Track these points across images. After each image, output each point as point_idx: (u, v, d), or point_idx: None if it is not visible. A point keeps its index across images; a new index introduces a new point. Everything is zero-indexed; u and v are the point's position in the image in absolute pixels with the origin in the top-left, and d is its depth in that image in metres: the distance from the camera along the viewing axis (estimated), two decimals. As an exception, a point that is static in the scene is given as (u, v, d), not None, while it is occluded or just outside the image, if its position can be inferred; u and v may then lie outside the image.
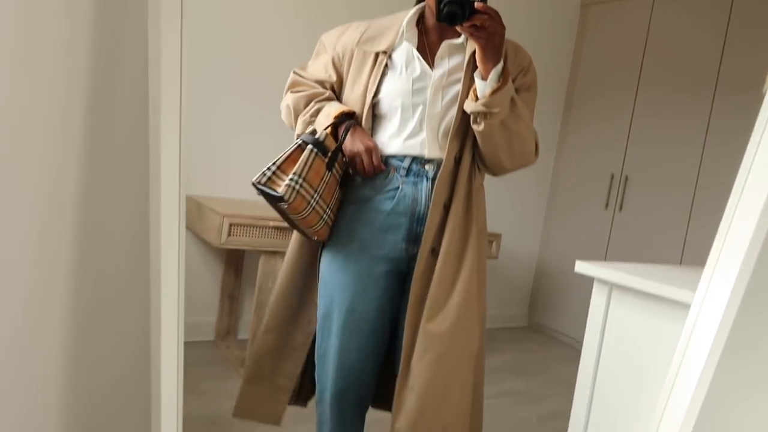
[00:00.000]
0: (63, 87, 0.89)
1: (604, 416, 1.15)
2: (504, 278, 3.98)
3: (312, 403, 1.54)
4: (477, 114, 1.22)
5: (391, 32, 1.36)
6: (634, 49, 3.57)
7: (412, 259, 1.34)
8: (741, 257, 0.71)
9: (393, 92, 1.32)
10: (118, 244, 1.01)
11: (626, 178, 3.55)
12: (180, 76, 0.85)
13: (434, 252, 1.30)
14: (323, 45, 1.44)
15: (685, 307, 0.87)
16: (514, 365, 3.26)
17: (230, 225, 2.38)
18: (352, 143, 1.30)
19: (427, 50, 1.34)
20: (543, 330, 4.06)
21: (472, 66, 1.26)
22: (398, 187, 1.32)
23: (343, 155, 1.33)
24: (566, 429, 1.26)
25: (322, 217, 1.30)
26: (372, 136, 1.36)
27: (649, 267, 1.17)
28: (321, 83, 1.41)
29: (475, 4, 1.10)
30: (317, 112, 1.36)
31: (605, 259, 3.55)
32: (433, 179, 1.31)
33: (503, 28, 1.17)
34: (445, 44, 1.32)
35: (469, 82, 1.26)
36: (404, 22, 1.34)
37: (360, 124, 1.34)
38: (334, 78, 1.40)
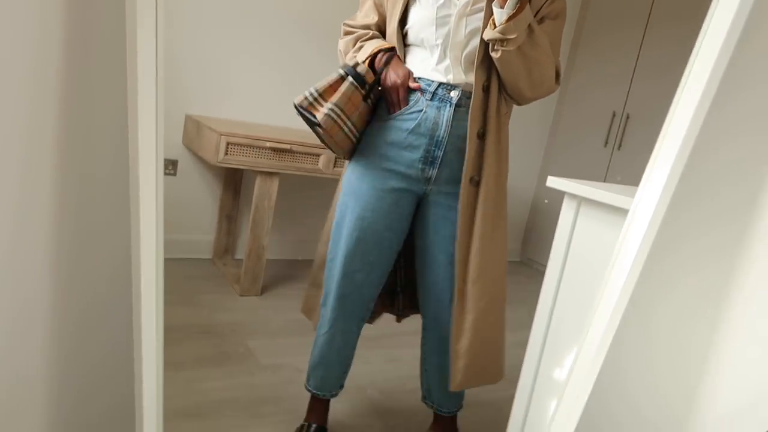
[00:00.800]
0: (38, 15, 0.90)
1: (561, 325, 1.22)
2: (500, 213, 4.03)
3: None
4: (494, 41, 1.26)
5: None
6: (646, -17, 3.46)
7: (428, 181, 1.41)
8: (671, 162, 0.76)
9: (420, 21, 1.37)
10: (100, 166, 1.05)
11: (627, 117, 3.54)
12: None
13: (473, 181, 1.36)
14: None
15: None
16: (503, 295, 3.36)
17: (227, 144, 2.42)
18: (389, 75, 1.38)
19: None
20: (534, 265, 4.15)
21: None
22: (422, 110, 1.38)
23: (379, 85, 1.41)
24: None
25: (352, 140, 1.43)
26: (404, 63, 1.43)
27: (619, 187, 1.22)
28: (368, 27, 1.49)
29: None
30: (360, 49, 1.45)
31: (600, 198, 3.57)
32: (456, 106, 1.36)
33: None
34: None
35: (491, 12, 1.28)
36: None
37: (399, 57, 1.42)
38: (377, 18, 1.48)
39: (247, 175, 2.99)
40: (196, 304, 2.48)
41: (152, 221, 0.87)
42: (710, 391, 0.98)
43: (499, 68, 1.32)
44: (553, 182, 1.19)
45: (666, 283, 0.96)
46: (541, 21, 1.34)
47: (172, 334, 2.13)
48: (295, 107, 1.38)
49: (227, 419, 1.69)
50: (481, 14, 1.32)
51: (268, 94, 3.00)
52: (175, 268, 2.83)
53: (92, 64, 0.99)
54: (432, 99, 1.37)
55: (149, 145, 0.84)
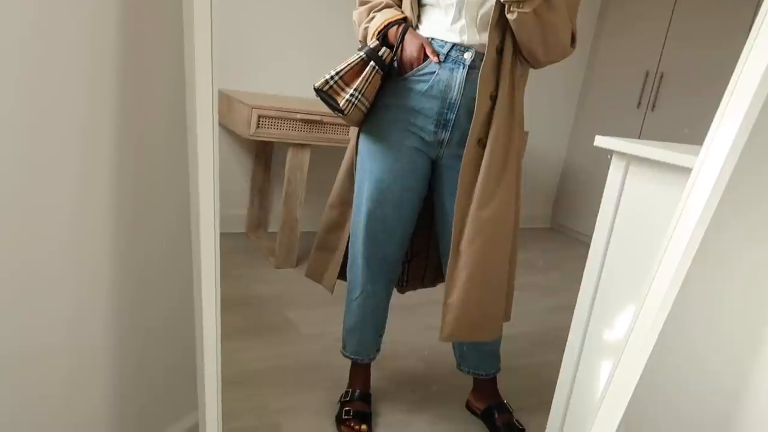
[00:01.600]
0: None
1: (611, 287, 1.21)
2: (529, 179, 3.99)
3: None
4: (510, 2, 1.22)
5: None
6: (681, -65, 3.33)
7: (440, 144, 1.40)
8: (739, 121, 0.73)
9: None
10: (156, 137, 1.07)
11: (661, 76, 3.44)
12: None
13: (480, 142, 1.34)
14: None
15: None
16: (534, 262, 3.35)
17: (258, 117, 2.42)
18: (406, 50, 1.37)
19: None
20: (565, 231, 4.11)
21: None
22: (435, 72, 1.36)
23: (394, 56, 1.39)
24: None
25: (365, 113, 1.43)
26: (418, 24, 1.42)
27: (669, 144, 1.19)
28: None
29: None
30: (372, 20, 1.43)
31: (633, 161, 3.50)
32: (470, 68, 1.34)
33: None
34: None
35: None
36: None
37: (412, 26, 1.41)
38: None
39: (277, 148, 3.00)
40: (234, 277, 2.52)
41: (210, 197, 0.88)
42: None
43: (514, 30, 1.29)
44: (601, 141, 1.17)
45: (749, 232, 0.93)
46: None
47: (212, 307, 2.17)
48: (316, 91, 1.37)
49: (272, 387, 1.73)
50: None
51: (298, 66, 2.98)
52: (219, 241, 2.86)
53: (148, 39, 1.00)
54: (445, 61, 1.35)
55: (206, 117, 0.85)
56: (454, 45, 1.35)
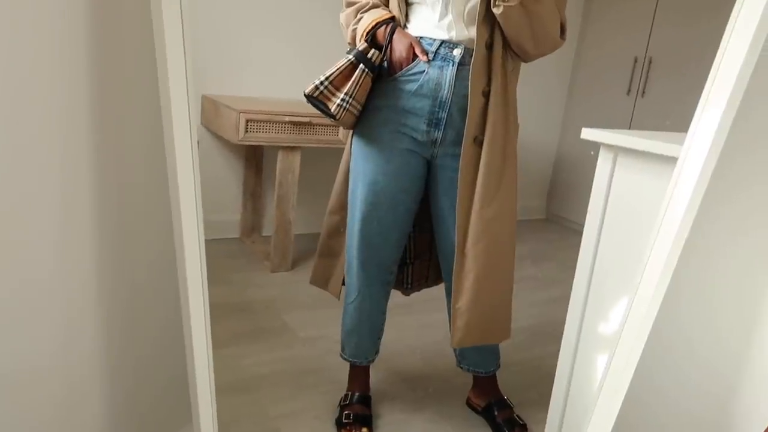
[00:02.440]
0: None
1: (605, 278, 1.20)
2: (523, 170, 3.97)
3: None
4: None
5: None
6: None
7: (434, 144, 1.39)
8: (722, 109, 0.72)
9: None
10: (135, 154, 1.05)
11: (650, 61, 3.43)
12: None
13: (476, 140, 1.33)
14: None
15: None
16: (530, 254, 3.35)
17: (247, 121, 2.40)
18: (395, 50, 1.36)
19: None
20: (560, 221, 4.11)
21: None
22: (424, 71, 1.34)
23: (383, 56, 1.38)
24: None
25: (357, 116, 1.41)
26: (406, 23, 1.40)
27: (653, 134, 1.18)
28: None
29: None
30: (359, 21, 1.42)
31: (625, 148, 3.49)
32: (459, 64, 1.33)
33: None
34: None
35: None
36: None
37: (400, 25, 1.39)
38: None
39: (268, 151, 2.98)
40: (229, 282, 2.50)
41: (192, 205, 0.87)
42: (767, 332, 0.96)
43: (501, 24, 1.27)
44: (588, 134, 1.16)
45: (739, 220, 0.93)
46: None
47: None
48: (306, 97, 1.36)
49: (272, 392, 1.72)
50: None
51: (283, 68, 2.96)
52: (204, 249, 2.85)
53: (121, 51, 0.98)
54: (434, 59, 1.34)
55: (183, 128, 0.83)
56: (442, 42, 1.34)
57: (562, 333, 1.33)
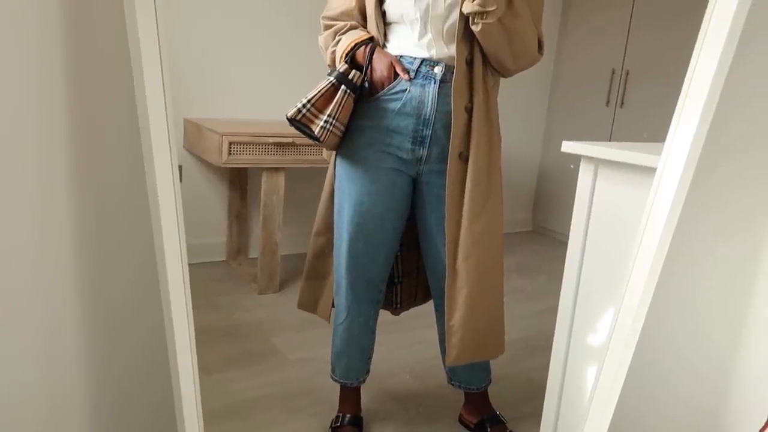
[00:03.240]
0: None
1: (591, 289, 1.21)
2: (507, 183, 4.00)
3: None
4: (474, 14, 1.22)
5: None
6: (634, -65, 3.39)
7: (419, 161, 1.39)
8: (697, 118, 0.73)
9: None
10: (114, 173, 1.05)
11: (627, 73, 3.49)
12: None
13: (462, 156, 1.34)
14: None
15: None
16: (518, 266, 3.35)
17: (230, 143, 2.40)
18: (376, 70, 1.36)
19: None
20: (546, 233, 4.13)
21: None
22: (406, 89, 1.35)
23: (364, 76, 1.38)
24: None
25: (341, 137, 1.41)
26: (385, 42, 1.41)
27: (632, 144, 1.19)
28: (347, 14, 1.45)
29: None
30: (338, 43, 1.42)
31: (607, 158, 3.53)
32: (441, 82, 1.34)
33: None
34: None
35: None
36: None
37: (380, 46, 1.40)
38: (354, 2, 1.44)
39: (252, 172, 2.98)
40: (217, 306, 2.48)
41: (174, 228, 0.86)
42: (753, 338, 0.97)
43: (480, 41, 1.29)
44: (568, 147, 1.17)
45: (720, 227, 0.94)
46: None
47: (196, 338, 2.13)
48: (289, 121, 1.36)
49: (263, 417, 1.69)
50: None
51: (265, 90, 2.97)
52: (190, 272, 2.82)
53: (97, 68, 0.98)
54: (415, 77, 1.35)
55: (163, 152, 0.83)
56: (423, 60, 1.35)
57: (552, 345, 1.33)
